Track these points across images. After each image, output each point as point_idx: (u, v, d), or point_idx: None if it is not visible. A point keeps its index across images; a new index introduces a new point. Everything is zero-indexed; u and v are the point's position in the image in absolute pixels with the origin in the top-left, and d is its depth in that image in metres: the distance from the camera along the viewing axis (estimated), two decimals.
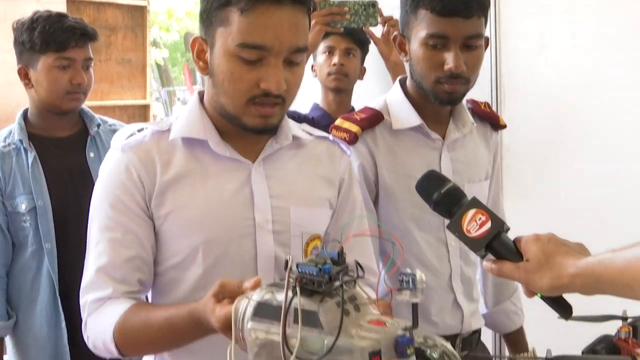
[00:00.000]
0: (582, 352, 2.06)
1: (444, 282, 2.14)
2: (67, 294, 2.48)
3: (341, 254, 1.15)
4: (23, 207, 2.49)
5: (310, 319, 1.10)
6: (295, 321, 1.10)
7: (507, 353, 2.52)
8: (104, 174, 1.66)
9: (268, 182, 1.67)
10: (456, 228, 1.36)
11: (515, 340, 2.42)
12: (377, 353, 1.08)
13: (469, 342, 2.21)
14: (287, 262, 1.13)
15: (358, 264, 1.16)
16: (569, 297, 1.39)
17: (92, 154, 2.59)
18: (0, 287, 2.54)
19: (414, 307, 1.18)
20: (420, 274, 1.17)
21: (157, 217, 1.62)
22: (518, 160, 3.25)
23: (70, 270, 2.46)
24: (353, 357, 1.07)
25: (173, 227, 1.61)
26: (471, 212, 1.35)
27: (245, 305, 1.18)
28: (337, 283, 1.13)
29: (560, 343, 1.95)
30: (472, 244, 1.36)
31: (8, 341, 2.61)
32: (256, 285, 1.25)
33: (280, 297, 1.13)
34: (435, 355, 1.20)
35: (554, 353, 1.86)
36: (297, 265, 1.13)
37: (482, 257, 1.38)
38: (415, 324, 1.16)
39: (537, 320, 2.10)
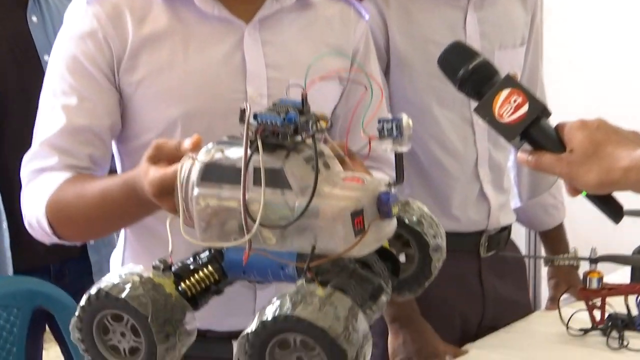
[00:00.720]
0: (633, 253, 2.15)
1: (469, 168, 2.08)
2: (9, 187, 2.31)
3: (305, 100, 1.08)
4: None
5: (274, 179, 1.05)
6: (255, 183, 1.05)
7: (543, 253, 2.48)
8: (65, 27, 1.61)
9: (264, 48, 1.61)
10: (486, 112, 1.30)
11: (554, 238, 2.37)
12: (359, 213, 1.03)
13: (497, 241, 2.15)
14: (243, 111, 1.05)
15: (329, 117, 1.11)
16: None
17: (34, 18, 2.38)
18: None
19: (398, 158, 1.11)
20: (407, 118, 1.09)
21: (128, 84, 1.57)
22: (562, 23, 3.17)
23: (12, 158, 2.21)
24: (330, 220, 1.03)
25: (146, 96, 1.56)
26: (505, 92, 1.29)
27: (189, 168, 1.11)
28: (304, 135, 1.08)
29: (607, 241, 2.02)
30: (505, 131, 1.30)
31: None
32: (196, 145, 1.18)
33: (232, 154, 1.07)
34: (414, 219, 1.21)
35: (600, 253, 1.88)
36: (256, 115, 1.06)
37: (517, 148, 1.33)
38: (399, 178, 1.10)
39: (579, 215, 2.05)
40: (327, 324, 0.97)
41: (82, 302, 1.10)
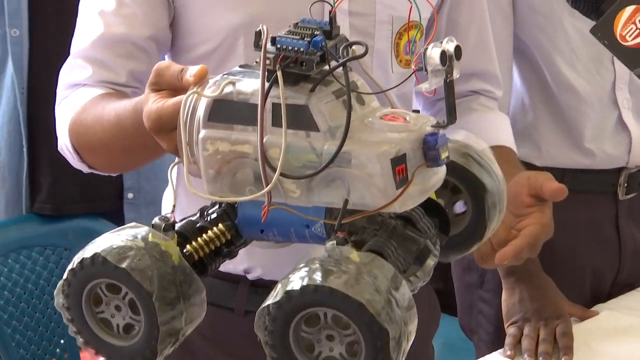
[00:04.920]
0: None
1: (604, 92, 2.05)
2: (35, 108, 2.36)
3: (333, 20, 1.03)
4: None
5: (298, 117, 1.01)
6: (275, 123, 1.01)
7: None
8: None
9: None
10: (605, 33, 1.28)
11: None
12: (401, 160, 0.99)
13: (639, 180, 2.12)
14: (258, 33, 1.02)
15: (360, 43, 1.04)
16: None
17: None
18: None
19: (448, 89, 1.04)
20: (454, 44, 1.03)
21: None
22: None
23: (43, 72, 2.32)
24: (366, 168, 1.00)
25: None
26: (629, 9, 1.27)
27: (191, 102, 1.07)
28: (332, 64, 1.03)
29: None
30: (628, 56, 1.29)
31: None
32: (201, 76, 1.14)
33: (246, 88, 1.03)
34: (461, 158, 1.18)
35: None
36: (274, 40, 1.01)
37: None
38: (451, 117, 1.04)
39: None
40: (364, 298, 0.94)
41: (73, 264, 1.06)
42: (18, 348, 2.28)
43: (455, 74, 1.04)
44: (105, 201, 2.40)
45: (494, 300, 1.97)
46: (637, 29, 1.28)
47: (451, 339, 2.20)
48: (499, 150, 1.56)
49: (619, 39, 1.29)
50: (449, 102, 1.05)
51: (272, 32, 1.49)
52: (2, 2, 2.36)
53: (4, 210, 2.44)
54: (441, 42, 1.04)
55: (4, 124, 2.40)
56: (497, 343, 1.91)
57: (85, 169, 1.57)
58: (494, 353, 1.84)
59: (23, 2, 2.36)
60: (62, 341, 2.35)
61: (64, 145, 1.55)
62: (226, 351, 1.65)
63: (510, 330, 1.86)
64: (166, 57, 1.64)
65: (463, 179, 1.17)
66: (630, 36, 1.28)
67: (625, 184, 2.08)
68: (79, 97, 1.53)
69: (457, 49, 1.04)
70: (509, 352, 1.81)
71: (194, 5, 1.56)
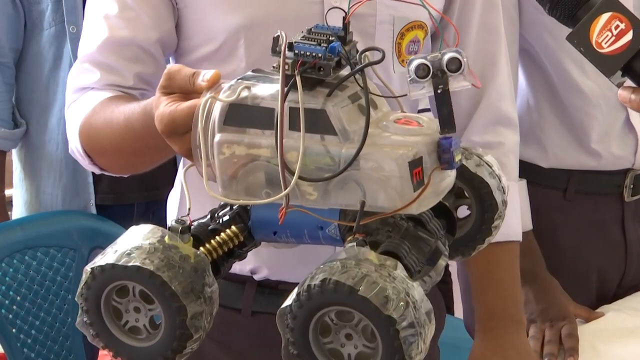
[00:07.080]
0: None
1: (612, 93, 1.99)
2: None
3: (347, 26, 1.04)
4: None
5: (314, 121, 1.03)
6: (292, 127, 1.03)
7: None
8: None
9: None
10: (581, 40, 1.25)
11: None
12: (418, 163, 1.02)
13: None
14: (276, 39, 1.04)
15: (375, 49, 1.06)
16: None
17: None
18: (4, 81, 2.48)
19: (442, 98, 1.07)
20: (452, 55, 1.05)
21: None
22: None
23: None
24: (384, 170, 1.02)
25: (204, 1, 1.56)
26: (604, 16, 1.25)
27: (206, 106, 1.07)
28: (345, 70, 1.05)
29: None
30: (604, 63, 1.26)
31: (16, 163, 2.57)
32: (214, 81, 1.15)
33: (262, 92, 1.05)
34: (471, 163, 1.20)
35: None
36: (291, 45, 1.03)
37: (619, 85, 1.29)
38: (450, 125, 1.07)
39: None
40: (383, 300, 0.95)
41: (91, 271, 1.06)
42: (23, 348, 2.27)
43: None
44: (160, 190, 2.41)
45: None
46: (612, 36, 1.26)
47: (455, 339, 2.19)
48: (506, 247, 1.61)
49: (595, 46, 1.27)
50: (443, 111, 1.07)
51: (271, 35, 1.50)
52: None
53: (61, 204, 2.46)
54: (441, 53, 1.06)
55: (60, 119, 2.41)
56: None
57: (96, 171, 1.58)
58: None
59: (78, 0, 2.41)
60: (67, 342, 2.35)
61: (75, 148, 1.56)
62: (233, 352, 1.65)
63: None
64: (170, 59, 1.64)
65: (470, 183, 1.19)
66: (606, 43, 1.26)
67: (631, 186, 2.07)
68: (88, 101, 1.54)
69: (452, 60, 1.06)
70: None
71: (195, 7, 1.57)
